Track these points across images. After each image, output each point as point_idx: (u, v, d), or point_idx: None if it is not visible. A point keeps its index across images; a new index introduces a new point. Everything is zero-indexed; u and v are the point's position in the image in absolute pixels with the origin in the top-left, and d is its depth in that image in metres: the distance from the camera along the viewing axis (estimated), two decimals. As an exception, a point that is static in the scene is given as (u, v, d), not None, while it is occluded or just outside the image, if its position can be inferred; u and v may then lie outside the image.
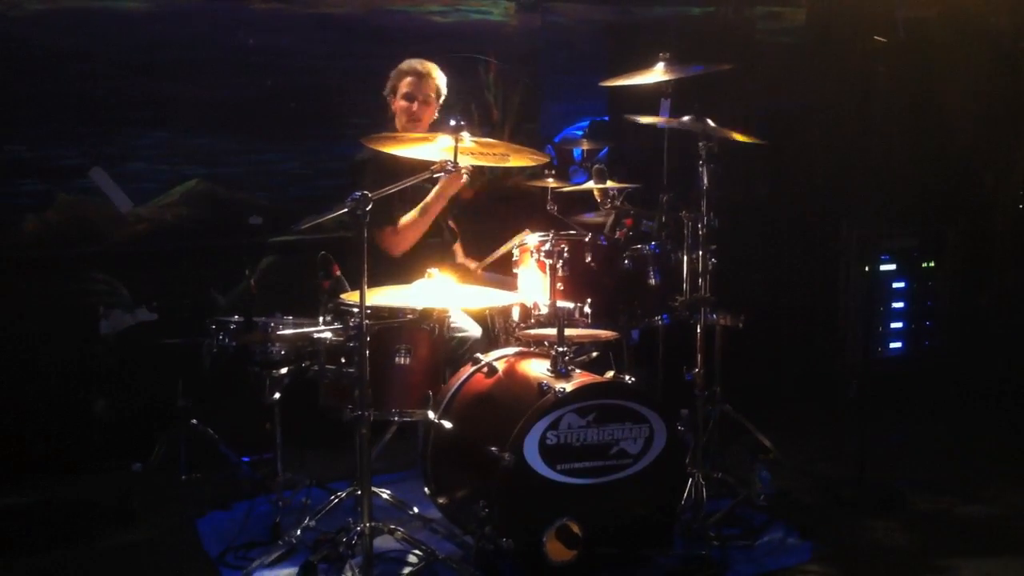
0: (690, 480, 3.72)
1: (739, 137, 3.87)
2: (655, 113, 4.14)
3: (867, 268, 5.48)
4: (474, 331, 4.20)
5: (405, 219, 4.19)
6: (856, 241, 5.56)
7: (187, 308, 4.64)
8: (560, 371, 3.43)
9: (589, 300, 3.70)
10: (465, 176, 3.92)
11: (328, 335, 3.54)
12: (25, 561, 3.66)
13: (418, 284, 3.53)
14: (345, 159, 4.49)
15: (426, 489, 3.69)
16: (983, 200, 5.93)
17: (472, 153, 3.61)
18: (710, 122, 3.79)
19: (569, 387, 3.29)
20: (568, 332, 3.56)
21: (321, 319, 3.62)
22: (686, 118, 3.81)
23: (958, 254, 5.83)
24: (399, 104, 4.30)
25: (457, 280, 3.68)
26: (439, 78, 4.33)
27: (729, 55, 4.10)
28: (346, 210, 3.19)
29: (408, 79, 4.28)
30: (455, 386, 3.64)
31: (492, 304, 3.92)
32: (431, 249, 4.25)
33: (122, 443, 4.53)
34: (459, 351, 4.05)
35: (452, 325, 3.93)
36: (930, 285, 5.78)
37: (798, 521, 3.81)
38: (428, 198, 4.18)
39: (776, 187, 5.67)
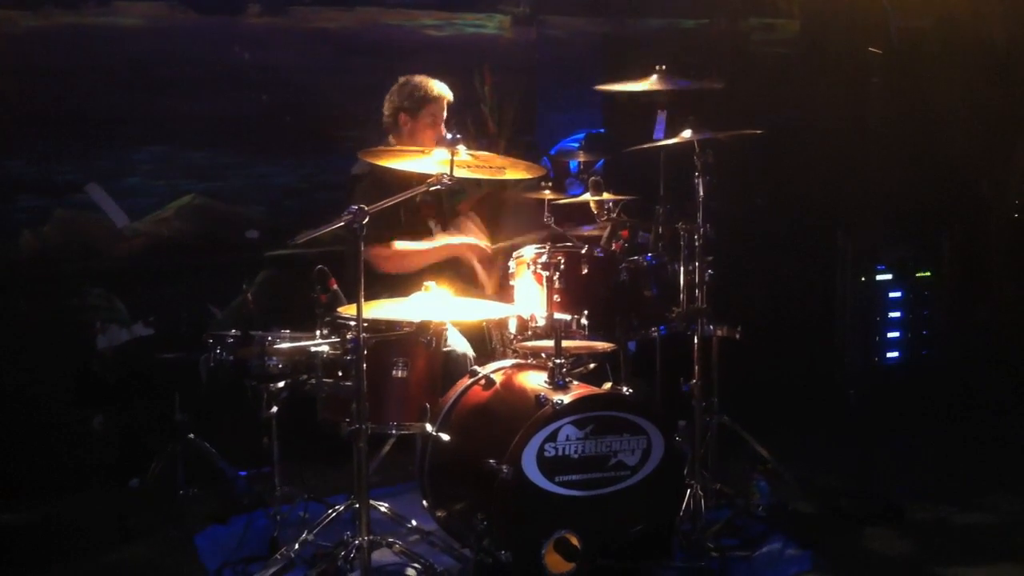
0: (688, 491, 3.71)
1: (736, 133, 3.86)
2: (651, 125, 4.14)
3: (863, 278, 5.48)
4: (465, 349, 4.12)
5: (409, 246, 4.11)
6: (853, 251, 5.57)
7: (184, 323, 4.65)
8: (557, 383, 3.42)
9: (586, 312, 3.69)
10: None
11: (325, 349, 3.53)
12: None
13: (415, 297, 3.53)
14: (341, 173, 4.47)
15: (424, 502, 3.67)
16: (979, 209, 5.93)
17: (468, 166, 3.61)
18: (708, 133, 3.79)
19: (567, 399, 3.29)
20: (565, 344, 3.56)
21: (318, 333, 3.62)
22: (686, 133, 3.81)
23: (955, 263, 5.83)
24: (422, 124, 4.21)
25: (453, 292, 3.68)
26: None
27: (724, 67, 4.11)
28: (343, 224, 3.19)
29: (439, 105, 4.21)
30: (453, 399, 3.63)
31: (489, 316, 3.91)
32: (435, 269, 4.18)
33: (119, 458, 4.53)
34: (449, 368, 3.95)
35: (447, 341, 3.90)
36: (926, 295, 5.78)
37: (797, 531, 3.81)
38: (445, 241, 4.19)
39: (773, 198, 5.68)
